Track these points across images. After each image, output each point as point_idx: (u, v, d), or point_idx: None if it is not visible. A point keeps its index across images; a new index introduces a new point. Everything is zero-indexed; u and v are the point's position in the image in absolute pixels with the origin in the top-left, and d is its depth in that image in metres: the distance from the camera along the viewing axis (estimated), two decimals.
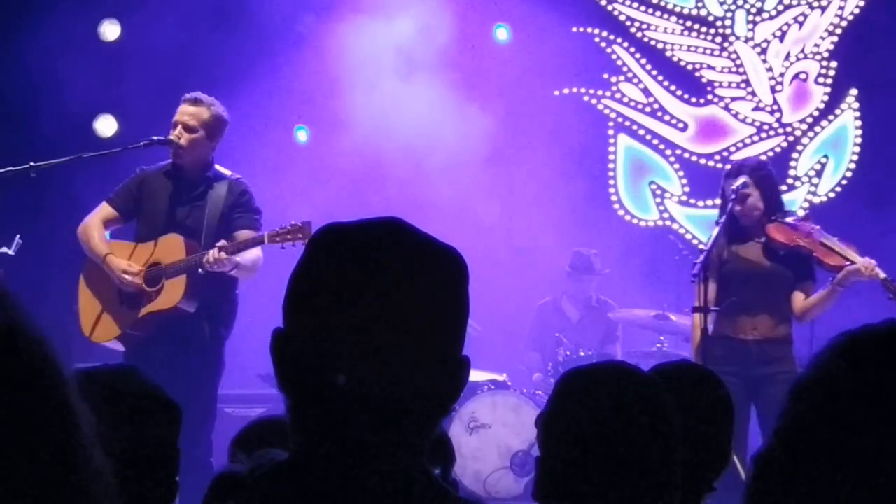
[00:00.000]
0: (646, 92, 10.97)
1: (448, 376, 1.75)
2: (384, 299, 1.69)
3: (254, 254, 6.96)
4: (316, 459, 1.71)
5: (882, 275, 6.87)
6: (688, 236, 10.60)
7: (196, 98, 7.13)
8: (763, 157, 9.04)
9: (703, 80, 10.89)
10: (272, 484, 1.72)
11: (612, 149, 11.06)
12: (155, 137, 7.20)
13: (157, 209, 7.14)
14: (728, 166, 7.55)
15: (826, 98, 10.67)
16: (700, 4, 10.88)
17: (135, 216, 7.24)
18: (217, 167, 7.18)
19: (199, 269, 6.87)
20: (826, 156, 10.64)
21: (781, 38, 10.75)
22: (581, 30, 10.95)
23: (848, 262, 6.90)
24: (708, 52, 10.87)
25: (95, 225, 7.21)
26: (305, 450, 1.73)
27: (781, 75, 10.76)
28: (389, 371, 1.68)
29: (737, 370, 6.82)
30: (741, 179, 7.07)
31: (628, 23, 10.96)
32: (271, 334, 1.76)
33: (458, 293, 1.77)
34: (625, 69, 11.00)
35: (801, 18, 10.73)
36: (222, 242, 6.79)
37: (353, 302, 1.69)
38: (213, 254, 6.74)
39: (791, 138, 10.71)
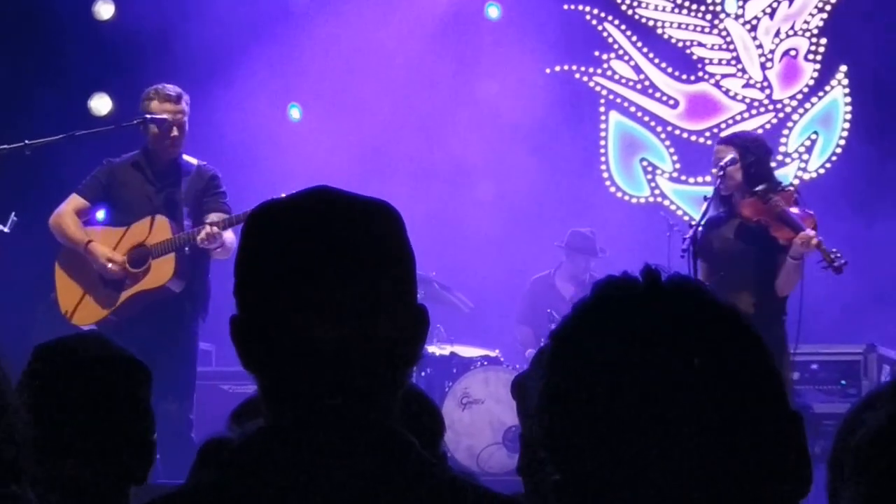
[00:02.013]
0: (636, 69, 11.00)
1: (408, 325, 1.78)
2: (330, 263, 1.73)
3: (230, 235, 7.14)
4: (288, 427, 1.73)
5: (814, 243, 6.86)
6: (679, 213, 10.64)
7: (179, 94, 7.35)
8: (758, 132, 9.10)
9: (694, 57, 10.92)
10: (249, 452, 1.74)
11: (603, 126, 11.09)
12: (148, 116, 7.27)
13: (133, 197, 7.33)
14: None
15: (816, 75, 10.70)
16: None
17: (102, 204, 7.40)
18: (183, 155, 7.41)
19: (186, 248, 7.02)
20: (816, 132, 10.68)
21: (771, 15, 10.78)
22: (572, 7, 10.96)
23: (795, 235, 6.94)
24: (698, 29, 10.90)
25: (69, 214, 7.38)
26: (277, 419, 1.75)
27: (771, 52, 10.79)
28: (349, 331, 1.72)
29: None
30: (723, 149, 7.20)
31: (619, 0, 10.98)
32: (229, 322, 1.79)
33: (400, 243, 1.80)
34: (616, 46, 11.02)
35: None
36: (212, 218, 6.97)
37: (299, 272, 1.73)
38: (206, 230, 6.91)
39: (781, 115, 10.75)
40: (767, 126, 10.65)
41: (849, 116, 10.59)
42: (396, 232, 1.81)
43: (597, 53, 11.00)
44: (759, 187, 7.10)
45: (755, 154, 7.20)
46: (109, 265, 7.16)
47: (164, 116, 7.20)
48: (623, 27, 10.99)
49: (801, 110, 10.71)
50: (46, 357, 2.76)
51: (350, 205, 1.81)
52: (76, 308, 7.28)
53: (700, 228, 7.30)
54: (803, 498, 1.47)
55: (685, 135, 10.93)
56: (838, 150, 10.59)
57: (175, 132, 7.23)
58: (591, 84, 11.03)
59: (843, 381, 8.35)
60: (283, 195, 1.92)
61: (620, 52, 11.00)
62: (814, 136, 10.66)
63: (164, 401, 7.07)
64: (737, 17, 10.82)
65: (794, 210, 7.08)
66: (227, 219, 7.05)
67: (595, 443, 1.44)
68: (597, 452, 1.44)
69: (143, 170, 7.33)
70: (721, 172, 7.19)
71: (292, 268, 1.74)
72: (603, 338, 1.46)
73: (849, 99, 10.60)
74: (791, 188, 7.31)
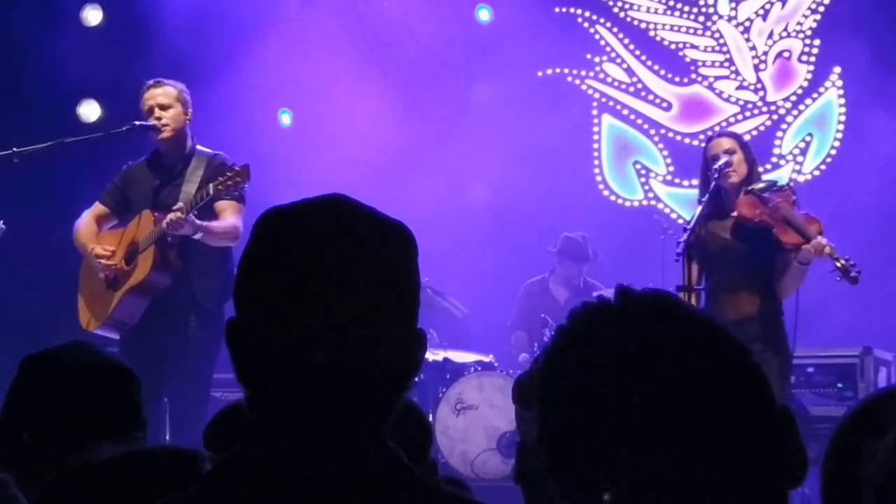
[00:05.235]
0: (629, 72, 10.97)
1: (406, 350, 1.74)
2: (336, 279, 1.67)
3: (229, 220, 6.96)
4: (278, 446, 1.69)
5: (828, 251, 6.56)
6: (672, 216, 10.62)
7: (158, 81, 7.28)
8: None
9: (687, 60, 10.89)
10: (234, 472, 1.70)
11: (596, 129, 11.06)
12: (137, 122, 7.23)
13: (140, 196, 7.21)
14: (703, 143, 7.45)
15: (809, 76, 10.68)
16: None
17: (125, 210, 7.27)
18: (198, 147, 7.22)
19: (169, 238, 6.92)
20: (810, 134, 10.65)
21: (764, 17, 10.76)
22: (563, 10, 10.94)
23: (803, 241, 6.66)
24: (691, 31, 10.87)
25: (85, 222, 7.32)
26: (267, 437, 1.71)
27: (765, 54, 10.76)
28: (347, 351, 1.67)
29: None
30: (724, 140, 7.02)
31: (611, 2, 10.96)
32: (225, 326, 1.74)
33: (409, 266, 1.76)
34: (608, 49, 10.99)
35: None
36: (179, 204, 6.80)
37: (305, 284, 1.67)
38: (170, 215, 6.75)
39: (775, 117, 10.72)
40: (761, 128, 10.63)
41: (843, 118, 10.56)
42: (405, 254, 1.76)
43: (589, 56, 10.97)
44: (758, 185, 6.94)
45: (749, 146, 7.09)
46: (101, 261, 7.12)
47: (148, 106, 7.13)
48: (615, 30, 10.96)
49: (795, 112, 10.68)
50: (31, 368, 2.73)
51: (361, 220, 1.75)
52: (86, 313, 7.26)
53: (690, 229, 7.21)
54: (797, 486, 1.51)
55: (678, 137, 10.90)
56: (833, 152, 10.55)
57: (157, 115, 7.11)
58: (584, 87, 11.00)
59: (839, 384, 8.32)
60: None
61: (613, 54, 10.97)
62: (808, 138, 10.62)
63: (185, 405, 7.03)
64: (729, 19, 10.80)
65: (796, 212, 6.89)
66: (190, 202, 6.78)
67: (600, 467, 1.47)
68: (602, 475, 1.47)
69: (153, 167, 7.23)
70: (720, 159, 6.96)
71: (293, 287, 1.68)
72: (589, 369, 1.50)
73: (843, 101, 10.57)
74: (787, 188, 7.12)
